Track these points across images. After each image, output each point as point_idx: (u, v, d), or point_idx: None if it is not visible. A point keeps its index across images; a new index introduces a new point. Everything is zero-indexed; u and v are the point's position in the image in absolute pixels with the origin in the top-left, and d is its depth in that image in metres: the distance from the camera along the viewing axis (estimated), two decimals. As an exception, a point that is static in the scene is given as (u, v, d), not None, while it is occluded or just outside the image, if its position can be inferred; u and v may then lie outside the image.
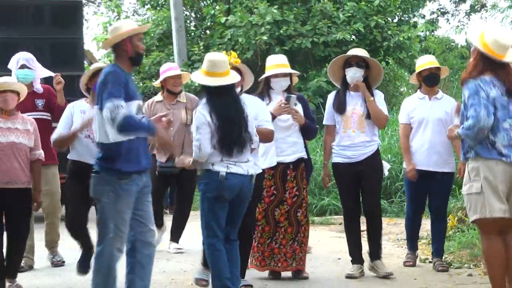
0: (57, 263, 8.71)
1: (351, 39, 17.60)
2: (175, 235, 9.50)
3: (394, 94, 18.77)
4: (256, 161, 6.89)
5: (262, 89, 7.89)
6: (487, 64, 6.28)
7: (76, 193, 7.48)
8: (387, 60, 18.16)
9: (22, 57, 8.65)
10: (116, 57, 6.20)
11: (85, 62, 13.82)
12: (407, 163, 8.24)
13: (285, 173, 7.75)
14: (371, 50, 18.12)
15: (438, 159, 8.10)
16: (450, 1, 31.29)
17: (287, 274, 7.99)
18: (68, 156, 7.80)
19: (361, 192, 7.96)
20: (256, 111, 7.09)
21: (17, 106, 7.59)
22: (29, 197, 7.40)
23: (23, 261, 8.63)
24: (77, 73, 11.72)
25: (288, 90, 7.84)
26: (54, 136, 7.57)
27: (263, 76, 7.88)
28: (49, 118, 8.67)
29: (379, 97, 7.93)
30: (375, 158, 7.89)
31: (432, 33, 23.46)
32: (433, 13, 30.46)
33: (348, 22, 17.44)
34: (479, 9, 28.66)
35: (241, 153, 6.58)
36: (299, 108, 7.73)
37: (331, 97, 8.03)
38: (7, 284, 7.34)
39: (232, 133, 6.55)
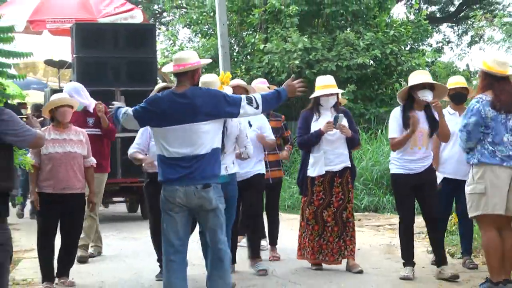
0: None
1: (370, 64, 17.53)
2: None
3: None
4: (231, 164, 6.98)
5: (312, 106, 7.79)
6: (491, 81, 6.36)
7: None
8: (400, 82, 18.02)
9: (67, 90, 8.55)
10: (182, 81, 5.88)
11: (158, 78, 13.75)
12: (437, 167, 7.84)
13: (332, 180, 7.68)
14: (387, 73, 18.08)
15: (466, 169, 7.88)
16: (454, 33, 31.13)
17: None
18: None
19: (419, 202, 7.54)
20: (260, 125, 7.63)
21: (70, 120, 7.55)
22: (83, 202, 7.28)
23: (92, 249, 8.63)
24: (152, 88, 11.74)
25: (335, 106, 7.75)
26: (131, 150, 7.39)
27: (313, 95, 7.77)
28: (99, 132, 8.63)
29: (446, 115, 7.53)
30: (431, 170, 7.47)
31: (438, 59, 23.24)
32: (439, 42, 30.28)
33: (367, 49, 17.34)
34: (478, 40, 28.49)
35: None
36: (344, 122, 7.64)
37: (397, 113, 7.43)
38: (60, 280, 7.17)
39: None
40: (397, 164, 7.48)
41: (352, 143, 7.79)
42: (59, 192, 7.07)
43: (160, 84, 7.88)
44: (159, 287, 7.26)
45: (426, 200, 7.43)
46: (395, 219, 12.11)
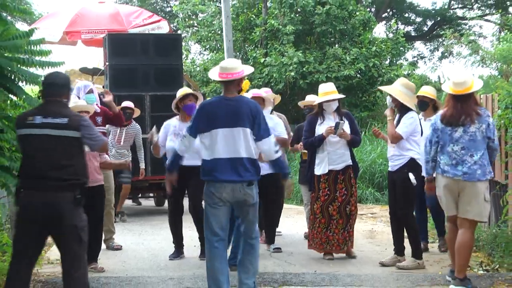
0: (116, 247, 8.24)
1: (355, 75, 17.55)
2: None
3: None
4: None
5: (317, 111, 7.61)
6: (449, 98, 6.35)
7: (177, 192, 7.09)
8: (381, 91, 17.99)
9: (87, 84, 8.32)
10: (230, 89, 5.66)
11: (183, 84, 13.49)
12: None
13: (336, 178, 7.48)
14: (370, 84, 18.07)
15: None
16: (427, 48, 31.16)
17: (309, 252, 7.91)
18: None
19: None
20: (273, 126, 7.22)
21: None
22: (103, 192, 7.22)
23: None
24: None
25: (338, 109, 7.54)
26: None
27: (316, 102, 7.61)
28: (105, 131, 8.39)
29: (405, 118, 7.11)
30: (401, 170, 7.07)
31: (414, 71, 23.25)
32: (414, 57, 30.31)
33: (353, 62, 17.36)
34: (448, 55, 28.48)
35: None
36: (346, 124, 7.47)
37: None
38: (90, 267, 6.91)
39: None
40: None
41: (353, 144, 7.59)
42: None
43: (185, 90, 7.64)
44: (172, 265, 7.29)
45: (396, 197, 7.22)
46: (376, 209, 12.16)
